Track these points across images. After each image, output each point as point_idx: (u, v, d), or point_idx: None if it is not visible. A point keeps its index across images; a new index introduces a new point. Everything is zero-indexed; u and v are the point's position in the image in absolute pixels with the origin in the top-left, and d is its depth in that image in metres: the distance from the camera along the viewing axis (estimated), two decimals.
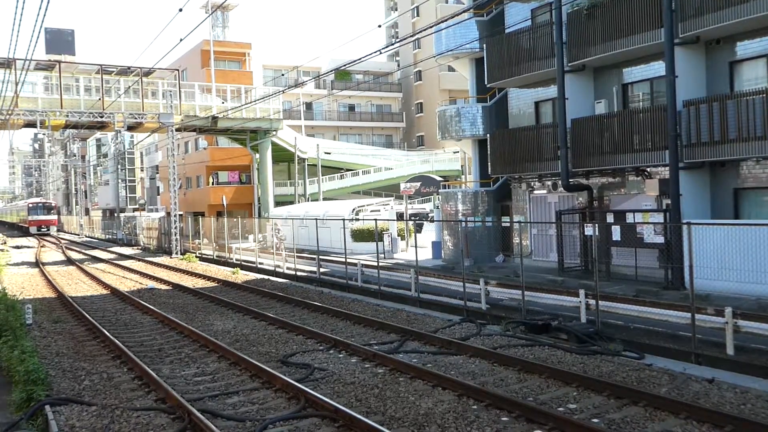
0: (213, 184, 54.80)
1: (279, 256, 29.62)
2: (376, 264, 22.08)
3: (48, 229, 73.44)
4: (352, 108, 72.09)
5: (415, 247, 21.49)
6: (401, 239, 33.95)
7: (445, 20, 22.06)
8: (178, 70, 46.79)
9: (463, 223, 25.27)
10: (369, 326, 15.87)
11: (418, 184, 34.41)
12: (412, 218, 37.21)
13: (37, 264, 35.93)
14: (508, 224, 26.22)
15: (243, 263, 32.09)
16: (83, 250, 47.40)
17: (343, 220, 26.46)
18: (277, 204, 50.91)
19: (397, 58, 76.43)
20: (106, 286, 25.60)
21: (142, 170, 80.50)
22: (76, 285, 26.59)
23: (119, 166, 71.70)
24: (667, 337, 12.86)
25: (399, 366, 11.74)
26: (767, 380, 10.39)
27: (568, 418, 8.56)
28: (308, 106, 66.63)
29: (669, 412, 8.82)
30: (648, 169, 20.16)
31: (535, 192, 24.99)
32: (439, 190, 31.21)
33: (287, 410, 9.71)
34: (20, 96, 36.38)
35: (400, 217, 35.81)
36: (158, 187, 59.83)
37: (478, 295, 17.12)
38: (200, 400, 10.31)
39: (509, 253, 26.16)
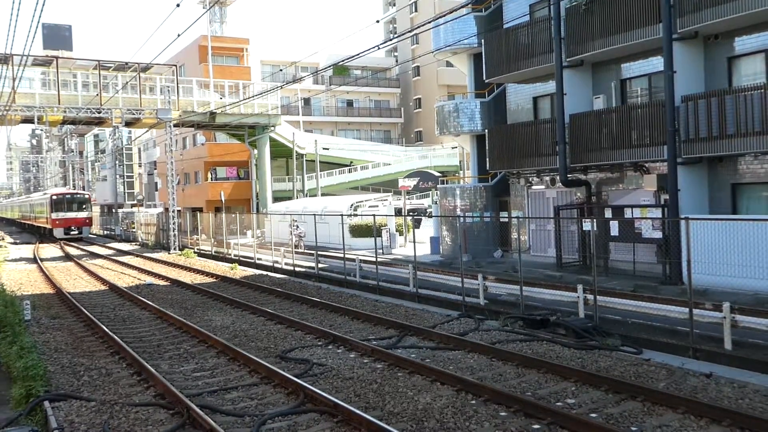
0: (211, 179, 54.76)
1: (299, 255, 29.33)
2: (374, 259, 22.09)
3: (80, 232, 54.79)
4: (350, 103, 72.00)
5: (414, 242, 21.49)
6: (399, 235, 33.96)
7: (444, 15, 22.04)
8: (175, 65, 46.71)
9: (462, 218, 25.29)
10: (367, 321, 15.89)
11: (417, 179, 34.42)
12: (411, 214, 37.21)
13: (35, 260, 35.90)
14: (506, 220, 26.24)
15: (241, 259, 32.09)
16: (81, 246, 47.38)
17: (342, 215, 26.46)
18: (276, 200, 50.89)
19: (396, 54, 76.31)
20: (104, 281, 25.59)
21: (140, 166, 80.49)
22: (74, 281, 26.58)
23: (117, 162, 71.62)
24: (665, 332, 12.89)
25: (397, 361, 11.75)
26: (765, 375, 10.42)
27: (567, 412, 8.59)
28: (306, 101, 66.55)
29: (667, 407, 8.84)
30: (646, 165, 20.17)
31: (534, 187, 25.00)
32: (438, 186, 31.22)
33: (286, 405, 9.72)
34: (17, 92, 36.32)
35: (398, 212, 35.81)
36: (156, 182, 59.78)
37: (476, 291, 17.13)
38: (199, 396, 10.32)
39: (507, 248, 26.19)
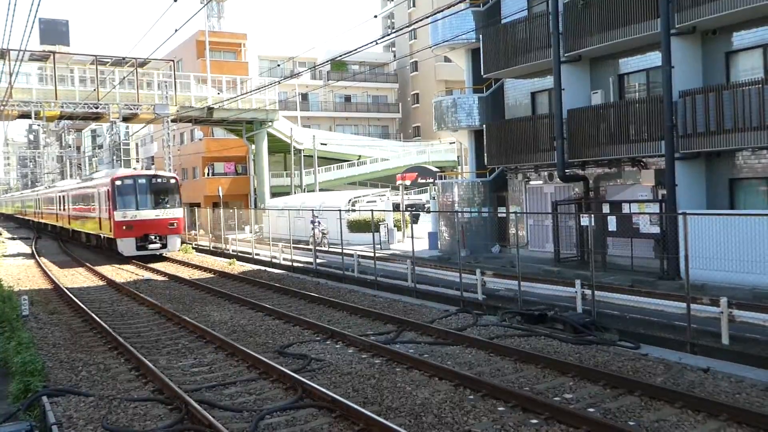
0: (209, 175, 54.69)
1: (320, 252, 29.15)
2: (372, 255, 22.09)
3: (164, 245, 32.69)
4: (348, 99, 71.94)
5: (412, 237, 21.50)
6: (398, 230, 33.96)
7: (442, 10, 21.98)
8: (173, 60, 46.59)
9: (460, 213, 25.28)
10: (366, 317, 15.90)
11: (415, 174, 34.39)
12: (409, 209, 37.20)
13: (33, 255, 35.87)
14: (504, 215, 26.24)
15: (239, 254, 32.08)
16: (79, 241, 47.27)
17: (339, 210, 26.44)
18: (274, 195, 50.85)
19: (393, 49, 76.21)
20: (102, 277, 25.58)
21: (137, 161, 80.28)
22: (72, 276, 26.56)
23: (115, 158, 71.43)
24: (662, 327, 12.91)
25: (396, 356, 11.77)
26: (762, 369, 10.45)
27: (564, 407, 8.61)
28: (304, 96, 66.46)
29: (664, 402, 8.87)
30: (644, 160, 20.18)
31: (531, 182, 25.00)
32: (436, 181, 31.21)
33: (284, 400, 9.74)
34: (14, 87, 36.21)
35: (396, 207, 35.80)
36: None
37: (474, 286, 17.14)
38: (197, 391, 10.33)
39: (505, 243, 26.20)
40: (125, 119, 43.61)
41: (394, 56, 73.98)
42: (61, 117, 43.53)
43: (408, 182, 34.56)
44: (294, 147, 53.29)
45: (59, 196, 46.94)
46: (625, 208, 19.19)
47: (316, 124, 68.26)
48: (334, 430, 8.52)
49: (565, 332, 13.26)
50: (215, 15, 59.51)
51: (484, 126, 25.93)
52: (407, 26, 24.18)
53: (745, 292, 14.55)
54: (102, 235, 34.38)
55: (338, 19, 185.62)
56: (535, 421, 8.47)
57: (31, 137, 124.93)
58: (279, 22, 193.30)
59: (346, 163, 60.95)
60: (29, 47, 53.36)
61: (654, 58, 19.84)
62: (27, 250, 40.51)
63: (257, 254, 30.82)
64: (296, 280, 23.12)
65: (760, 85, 16.24)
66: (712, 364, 10.65)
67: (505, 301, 16.24)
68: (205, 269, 27.38)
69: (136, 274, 26.45)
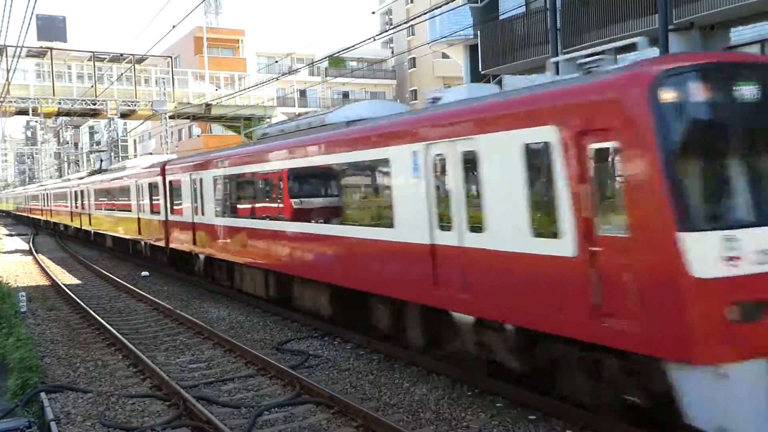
0: None
1: None
2: None
3: None
4: (346, 95, 71.85)
5: None
6: None
7: (439, 7, 21.95)
8: (171, 57, 46.57)
9: None
10: None
11: None
12: None
13: (30, 252, 35.82)
14: None
15: None
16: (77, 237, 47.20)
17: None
18: None
19: (391, 45, 76.13)
20: (100, 273, 25.55)
21: (135, 157, 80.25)
22: (70, 273, 26.54)
23: (113, 154, 71.37)
24: None
25: (394, 352, 11.76)
26: None
27: (560, 404, 8.58)
28: (302, 93, 66.40)
29: None
30: None
31: None
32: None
33: (282, 397, 9.75)
34: (12, 83, 36.11)
35: None
36: None
37: None
38: (195, 387, 10.34)
39: None
40: (123, 116, 43.61)
41: (392, 53, 73.92)
42: (58, 113, 43.48)
43: None
44: None
45: (76, 191, 38.63)
46: None
47: None
48: (331, 427, 8.53)
49: None
50: (213, 11, 59.48)
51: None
52: (405, 23, 24.17)
53: None
54: (146, 242, 25.30)
55: (336, 16, 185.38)
56: (533, 417, 8.46)
57: (29, 134, 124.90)
58: (277, 19, 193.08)
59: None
60: (26, 43, 53.20)
61: (652, 54, 19.81)
62: (25, 246, 40.45)
63: None
64: None
65: None
66: None
67: None
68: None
69: (135, 271, 26.40)
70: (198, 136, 56.99)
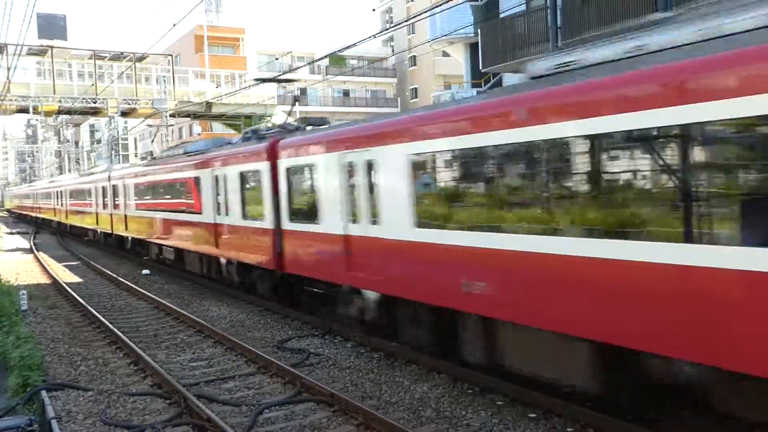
0: None
1: None
2: None
3: None
4: (346, 93, 71.84)
5: None
6: None
7: (440, 5, 21.95)
8: (171, 55, 46.59)
9: None
10: None
11: None
12: None
13: (31, 250, 35.84)
14: None
15: None
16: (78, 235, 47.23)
17: None
18: None
19: (392, 44, 76.10)
20: (100, 271, 25.56)
21: (136, 156, 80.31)
22: (71, 271, 26.54)
23: (113, 152, 71.42)
24: None
25: (394, 350, 11.77)
26: None
27: (560, 402, 8.60)
28: (303, 91, 66.38)
29: None
30: None
31: None
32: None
33: (283, 395, 9.76)
34: (12, 81, 36.14)
35: None
36: None
37: None
38: (196, 385, 10.35)
39: None
40: (123, 114, 43.65)
41: (393, 51, 73.89)
42: (59, 112, 43.50)
43: None
44: None
45: (107, 187, 31.14)
46: None
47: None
48: (332, 425, 8.54)
49: None
50: (213, 10, 59.47)
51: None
52: (405, 21, 24.17)
53: None
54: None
55: (336, 14, 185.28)
56: (533, 415, 8.48)
57: (29, 132, 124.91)
58: (277, 17, 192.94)
59: None
60: (27, 42, 53.22)
61: None
62: (25, 244, 40.47)
63: None
64: None
65: None
66: None
67: None
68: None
69: (135, 269, 26.41)
70: (198, 134, 56.99)
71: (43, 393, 9.73)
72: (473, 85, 27.81)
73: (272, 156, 14.72)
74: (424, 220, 9.75)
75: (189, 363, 11.97)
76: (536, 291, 7.82)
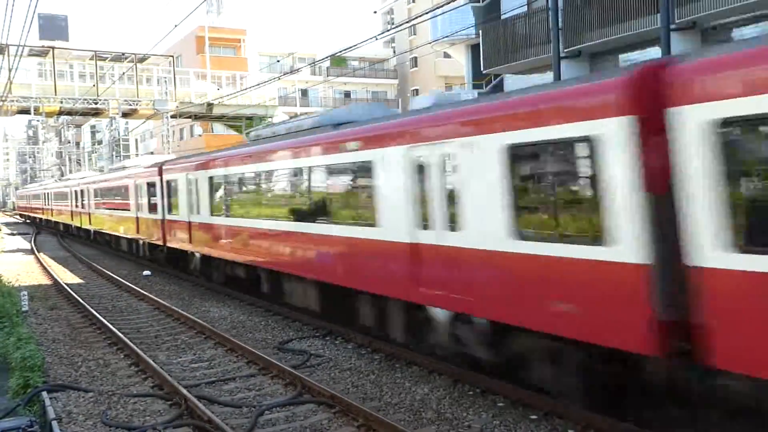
0: None
1: None
2: None
3: None
4: (347, 95, 71.86)
5: None
6: None
7: (441, 6, 21.97)
8: (172, 56, 46.62)
9: None
10: None
11: None
12: None
13: (32, 251, 35.85)
14: None
15: None
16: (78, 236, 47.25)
17: None
18: None
19: (393, 45, 76.13)
20: (101, 272, 25.56)
21: (137, 156, 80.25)
22: (71, 272, 26.55)
23: (114, 153, 71.49)
24: None
25: (395, 352, 11.76)
26: None
27: (562, 403, 8.58)
28: (304, 92, 66.40)
29: None
30: None
31: None
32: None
33: (284, 396, 9.75)
34: (14, 82, 36.17)
35: None
36: None
37: None
38: (197, 387, 10.35)
39: None
40: (125, 115, 43.68)
41: (394, 52, 73.90)
42: (60, 112, 43.53)
43: None
44: None
45: (156, 183, 23.26)
46: None
47: None
48: (333, 426, 8.53)
49: None
50: (214, 11, 59.48)
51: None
52: (407, 22, 24.21)
53: None
54: None
55: (338, 15, 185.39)
56: (534, 416, 8.47)
57: (30, 133, 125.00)
58: (278, 18, 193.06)
59: None
60: (28, 42, 53.25)
61: (654, 54, 19.78)
62: (26, 245, 40.48)
63: None
64: None
65: None
66: None
67: None
68: None
69: (136, 270, 26.40)
70: (200, 135, 57.02)
71: (44, 394, 9.72)
72: (474, 86, 27.82)
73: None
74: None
75: (190, 364, 11.96)
76: None
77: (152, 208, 23.88)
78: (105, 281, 23.79)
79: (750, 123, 5.80)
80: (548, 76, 23.00)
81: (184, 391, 9.59)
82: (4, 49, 35.43)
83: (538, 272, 7.83)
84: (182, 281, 22.80)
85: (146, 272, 24.93)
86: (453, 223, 9.14)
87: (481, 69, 25.46)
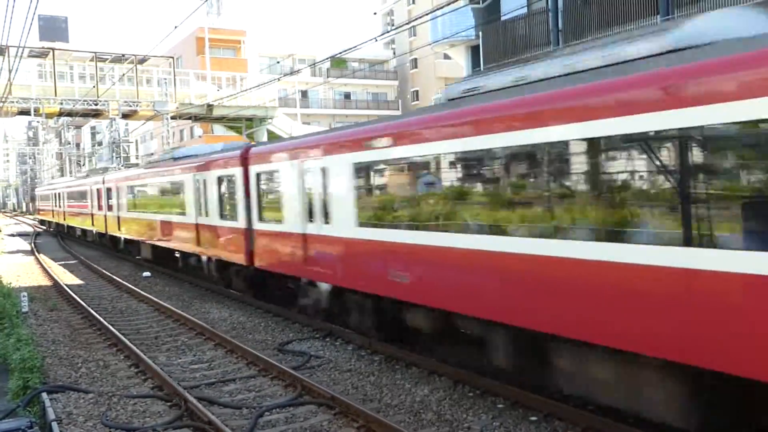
0: None
1: None
2: None
3: None
4: (347, 96, 71.90)
5: None
6: None
7: (441, 8, 21.97)
8: (172, 57, 46.61)
9: None
10: None
11: None
12: None
13: (32, 252, 35.85)
14: None
15: None
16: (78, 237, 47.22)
17: None
18: None
19: (393, 46, 76.17)
20: (101, 273, 25.56)
21: (137, 158, 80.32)
22: (71, 273, 26.55)
23: (114, 155, 71.45)
24: None
25: (395, 353, 11.76)
26: None
27: (561, 405, 8.58)
28: (304, 94, 66.42)
29: None
30: None
31: None
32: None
33: (284, 398, 9.75)
34: (14, 83, 36.14)
35: None
36: None
37: None
38: (197, 388, 10.35)
39: None
40: (125, 116, 43.65)
41: (394, 53, 73.94)
42: (60, 114, 43.50)
43: None
44: None
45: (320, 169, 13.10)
46: None
47: (316, 121, 68.22)
48: (333, 427, 8.53)
49: None
50: (214, 12, 59.49)
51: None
52: (407, 23, 24.24)
53: None
54: None
55: (338, 17, 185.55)
56: (534, 418, 8.47)
57: (30, 134, 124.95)
58: (278, 19, 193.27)
59: None
60: (29, 44, 53.25)
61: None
62: (26, 246, 40.48)
63: None
64: None
65: None
66: None
67: None
68: None
69: (136, 271, 26.40)
70: (200, 136, 57.02)
71: (44, 395, 9.72)
72: None
73: None
74: None
75: (190, 365, 11.96)
76: None
77: (228, 211, 17.74)
78: (105, 282, 23.79)
79: None
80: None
81: (184, 393, 9.60)
82: (5, 51, 35.44)
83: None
84: (182, 282, 22.79)
85: (146, 273, 24.93)
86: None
87: (482, 70, 25.45)
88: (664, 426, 7.24)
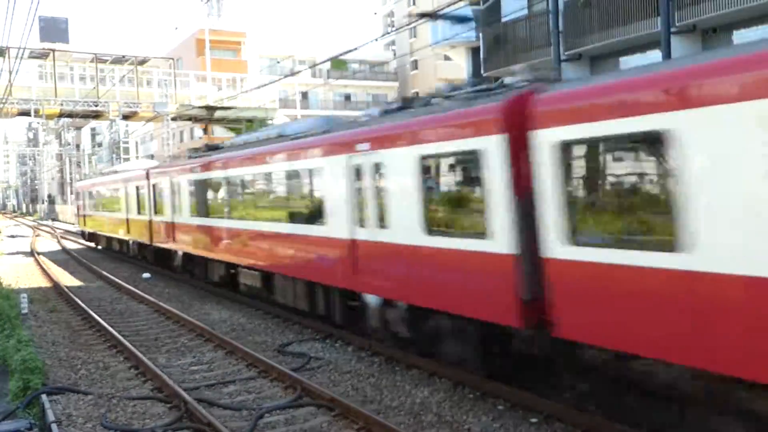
0: None
1: None
2: None
3: None
4: (348, 97, 71.94)
5: None
6: None
7: (442, 9, 21.99)
8: (173, 59, 46.66)
9: None
10: None
11: None
12: None
13: (32, 253, 35.83)
14: None
15: None
16: (78, 239, 47.20)
17: None
18: None
19: (393, 48, 76.20)
20: (101, 275, 25.54)
21: (137, 159, 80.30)
22: (71, 274, 26.53)
23: (114, 156, 71.50)
24: None
25: (395, 355, 11.75)
26: None
27: (562, 406, 8.57)
28: (304, 95, 66.45)
29: None
30: None
31: None
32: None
33: (283, 399, 9.74)
34: (14, 84, 36.18)
35: None
36: None
37: None
38: (196, 389, 10.33)
39: None
40: (125, 117, 43.70)
41: (394, 54, 73.96)
42: (60, 115, 43.56)
43: None
44: None
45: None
46: None
47: None
48: (333, 429, 8.52)
49: None
50: (215, 13, 59.54)
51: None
52: (407, 24, 24.23)
53: None
54: None
55: (338, 18, 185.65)
56: (534, 420, 8.45)
57: (31, 135, 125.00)
58: (278, 21, 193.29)
59: None
60: (29, 45, 53.29)
61: (654, 57, 19.80)
62: (26, 248, 40.46)
63: None
64: None
65: None
66: None
67: None
68: None
69: (136, 273, 26.39)
70: (200, 138, 57.06)
71: (44, 397, 9.70)
72: None
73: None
74: None
75: (189, 367, 11.94)
76: None
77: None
78: (105, 284, 23.76)
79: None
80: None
81: (184, 394, 9.58)
82: (5, 52, 35.47)
83: None
84: (182, 284, 22.77)
85: (146, 275, 24.90)
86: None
87: (482, 71, 25.48)
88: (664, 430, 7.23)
